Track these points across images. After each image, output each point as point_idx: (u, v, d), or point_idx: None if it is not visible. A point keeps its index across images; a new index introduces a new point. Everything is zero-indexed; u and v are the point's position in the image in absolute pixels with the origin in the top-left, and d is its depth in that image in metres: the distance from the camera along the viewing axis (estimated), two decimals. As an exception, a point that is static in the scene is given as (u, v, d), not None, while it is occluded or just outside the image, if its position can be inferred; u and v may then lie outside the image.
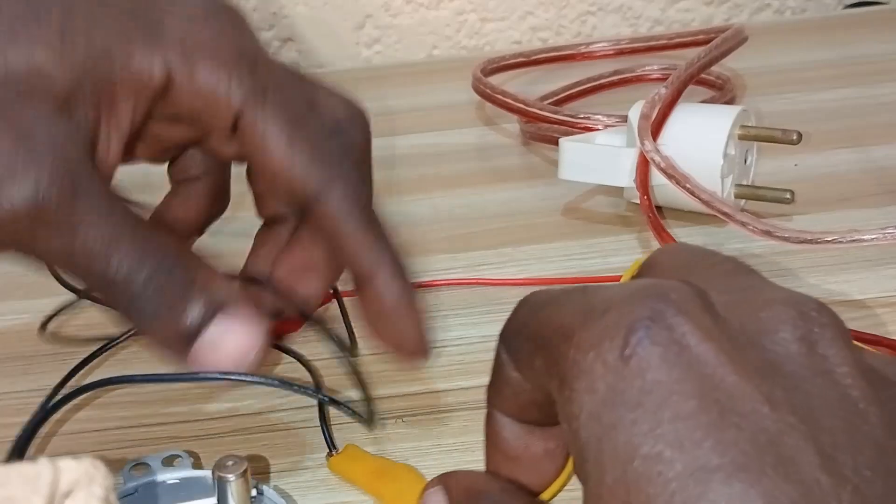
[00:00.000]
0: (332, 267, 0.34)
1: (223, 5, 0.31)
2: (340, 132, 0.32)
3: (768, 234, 0.40)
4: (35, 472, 0.20)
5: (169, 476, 0.30)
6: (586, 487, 0.18)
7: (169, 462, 0.31)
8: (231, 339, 0.27)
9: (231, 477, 0.25)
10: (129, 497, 0.30)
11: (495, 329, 0.40)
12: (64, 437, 0.37)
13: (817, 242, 0.39)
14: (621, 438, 0.18)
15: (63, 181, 0.27)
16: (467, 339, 0.40)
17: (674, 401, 0.17)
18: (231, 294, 0.28)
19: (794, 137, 0.45)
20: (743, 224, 0.41)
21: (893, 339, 0.37)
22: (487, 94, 0.58)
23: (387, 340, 0.32)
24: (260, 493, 0.28)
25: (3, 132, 0.26)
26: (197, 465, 0.32)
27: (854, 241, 0.39)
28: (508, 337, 0.23)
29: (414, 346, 0.32)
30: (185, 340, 0.27)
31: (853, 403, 0.18)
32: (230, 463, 0.26)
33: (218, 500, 0.26)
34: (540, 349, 0.21)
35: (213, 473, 0.26)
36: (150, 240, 0.28)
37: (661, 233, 0.44)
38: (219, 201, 0.36)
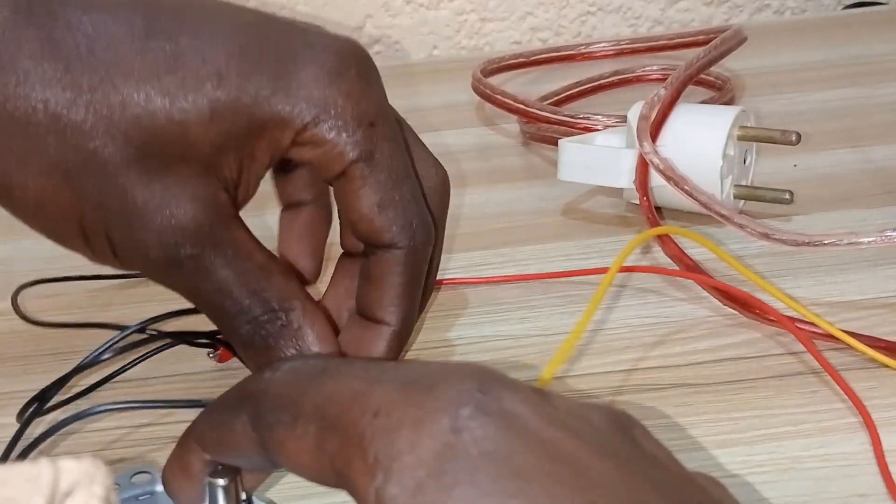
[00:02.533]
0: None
1: (355, 59, 0.33)
2: (424, 197, 0.35)
3: (766, 236, 0.40)
4: (35, 472, 0.20)
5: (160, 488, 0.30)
6: None
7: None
8: None
9: (221, 482, 0.25)
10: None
11: (495, 329, 0.41)
12: (64, 437, 0.37)
13: (815, 245, 0.39)
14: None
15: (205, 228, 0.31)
16: (467, 338, 0.40)
17: (512, 463, 0.18)
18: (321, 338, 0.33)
19: (794, 138, 0.45)
20: (741, 226, 0.41)
21: (892, 341, 0.37)
22: (487, 95, 0.58)
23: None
24: (249, 502, 0.27)
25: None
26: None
27: (851, 243, 0.39)
28: (267, 411, 0.22)
29: None
30: None
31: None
32: (220, 467, 0.25)
33: None
34: (331, 429, 0.20)
35: (203, 478, 0.26)
36: (263, 285, 0.32)
37: (659, 234, 0.44)
38: (327, 224, 0.39)
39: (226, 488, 0.25)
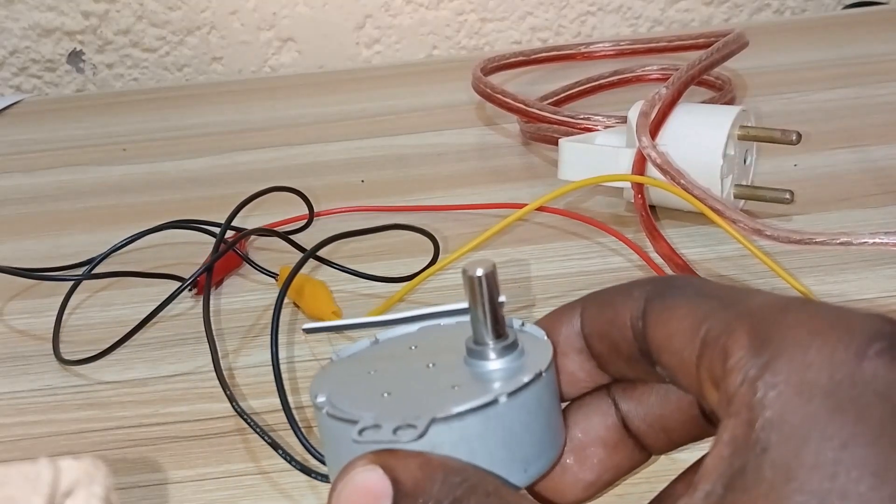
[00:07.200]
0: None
1: None
2: None
3: (758, 231, 0.40)
4: (35, 472, 0.20)
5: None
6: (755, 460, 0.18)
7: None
8: None
9: (479, 271, 0.24)
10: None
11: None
12: (64, 436, 0.37)
13: (806, 243, 0.39)
14: (829, 433, 0.17)
15: None
16: (467, 339, 0.40)
17: None
18: None
19: (794, 138, 0.45)
20: (734, 221, 0.41)
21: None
22: (487, 94, 0.58)
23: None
24: (522, 324, 0.27)
25: None
26: None
27: (842, 243, 0.39)
28: (669, 287, 0.22)
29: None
30: None
31: None
32: (477, 262, 0.25)
33: (469, 303, 0.25)
34: (729, 307, 0.20)
35: (462, 274, 0.25)
36: None
37: (652, 232, 0.44)
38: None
39: (482, 279, 0.24)
